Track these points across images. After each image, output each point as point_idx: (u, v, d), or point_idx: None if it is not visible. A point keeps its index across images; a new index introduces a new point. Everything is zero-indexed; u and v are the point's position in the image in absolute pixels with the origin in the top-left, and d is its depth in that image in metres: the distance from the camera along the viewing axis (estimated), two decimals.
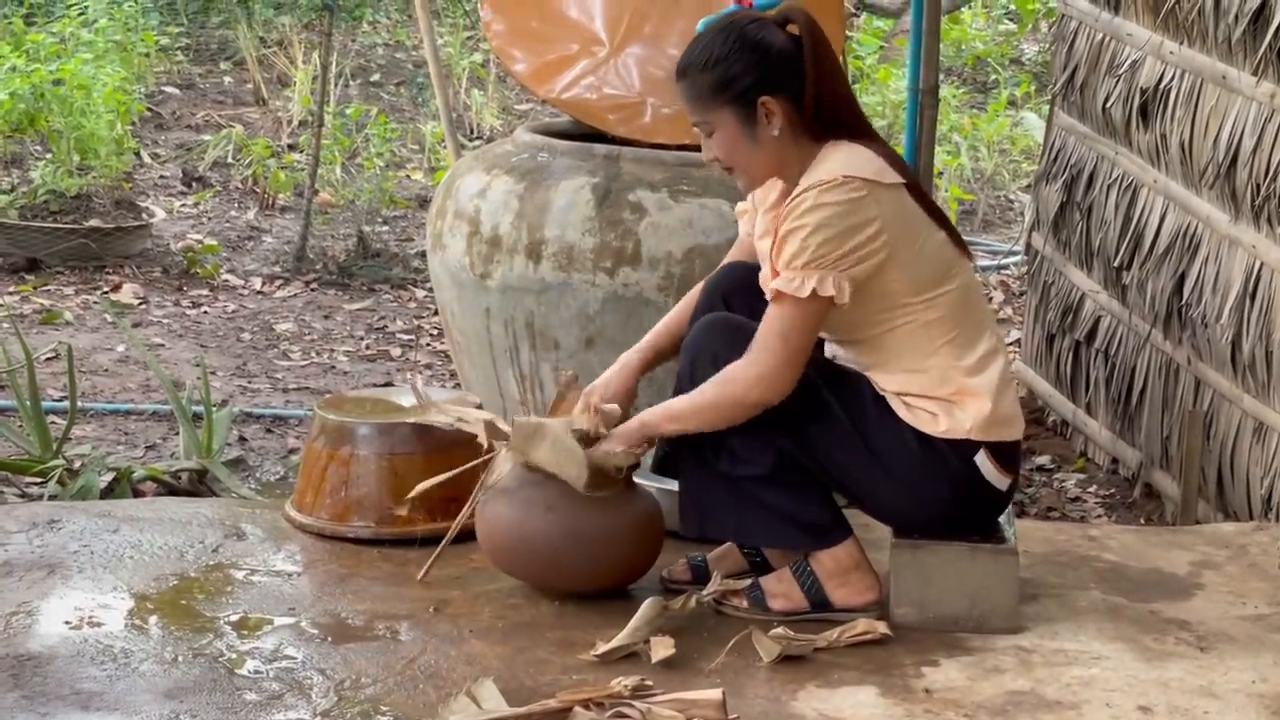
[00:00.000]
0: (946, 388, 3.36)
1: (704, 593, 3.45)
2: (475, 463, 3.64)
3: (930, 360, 3.36)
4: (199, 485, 4.72)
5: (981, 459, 3.39)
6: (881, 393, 3.39)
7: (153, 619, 3.41)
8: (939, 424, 3.36)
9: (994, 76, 10.95)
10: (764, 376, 3.28)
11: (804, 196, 3.25)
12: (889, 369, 3.39)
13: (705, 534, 3.54)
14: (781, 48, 3.31)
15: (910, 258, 3.31)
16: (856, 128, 3.38)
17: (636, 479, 3.58)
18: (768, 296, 3.33)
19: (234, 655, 3.23)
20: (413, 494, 3.68)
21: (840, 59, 5.04)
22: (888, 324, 3.35)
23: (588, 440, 3.42)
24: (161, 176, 8.87)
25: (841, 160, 3.29)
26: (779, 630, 3.29)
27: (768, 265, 3.40)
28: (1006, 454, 3.42)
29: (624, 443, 3.40)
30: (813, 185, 3.25)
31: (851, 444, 3.36)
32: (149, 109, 9.77)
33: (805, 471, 3.39)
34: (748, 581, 3.51)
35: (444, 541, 3.57)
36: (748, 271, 3.52)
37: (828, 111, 3.33)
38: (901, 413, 3.37)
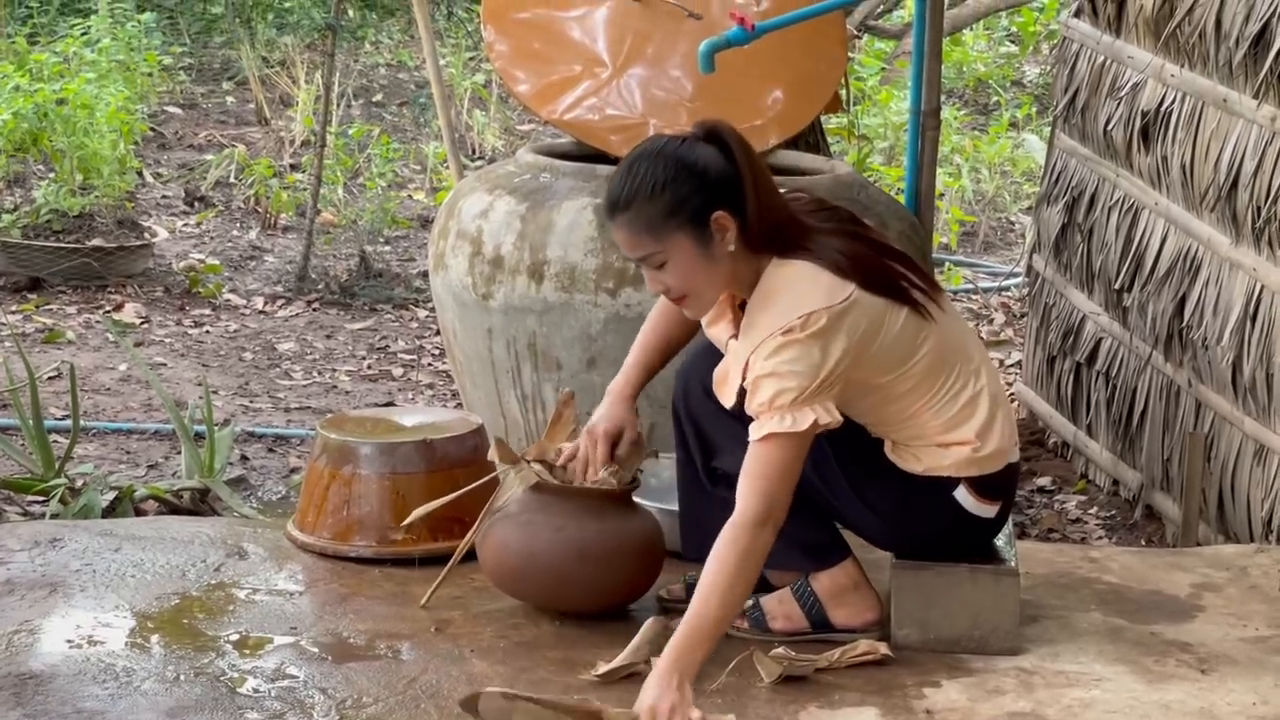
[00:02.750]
0: (927, 440, 3.38)
1: None
2: (475, 484, 3.65)
3: (909, 423, 3.37)
4: (201, 504, 4.73)
5: (961, 493, 3.40)
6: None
7: (154, 638, 3.41)
8: (920, 464, 3.38)
9: (995, 98, 10.96)
10: (773, 516, 3.19)
11: (767, 343, 3.19)
12: (870, 429, 3.42)
13: (707, 555, 3.54)
14: (717, 163, 3.25)
15: (875, 353, 3.28)
16: (793, 236, 3.30)
17: (636, 499, 3.59)
18: (721, 398, 3.33)
19: (235, 674, 3.24)
20: (410, 519, 3.68)
21: (841, 82, 5.07)
22: (862, 402, 3.34)
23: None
24: (164, 196, 8.88)
25: (791, 292, 3.22)
26: (780, 650, 3.29)
27: (725, 356, 3.39)
28: (989, 485, 3.43)
29: (667, 695, 3.08)
30: (775, 332, 3.18)
31: (835, 477, 3.38)
32: (152, 128, 9.79)
33: (802, 494, 3.39)
34: (748, 602, 3.51)
35: (447, 567, 3.58)
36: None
37: (767, 221, 3.27)
38: (886, 448, 3.40)
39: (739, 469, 3.37)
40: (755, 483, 3.19)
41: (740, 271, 3.29)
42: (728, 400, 3.33)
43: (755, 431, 3.20)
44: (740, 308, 3.39)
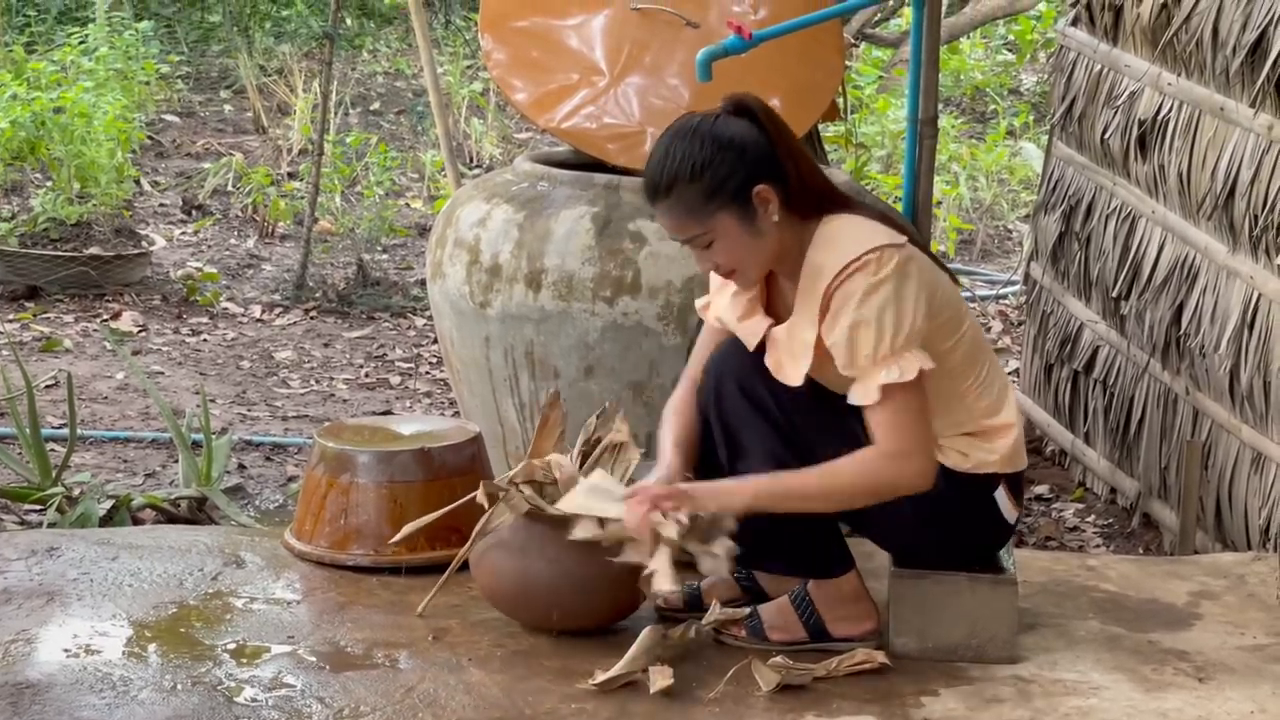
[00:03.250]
0: (974, 425, 3.38)
1: (703, 622, 3.45)
2: (467, 498, 3.63)
3: (959, 403, 3.37)
4: (198, 513, 4.73)
5: (1000, 494, 3.41)
6: None
7: (151, 647, 3.41)
8: (967, 460, 3.37)
9: (993, 106, 10.97)
10: (924, 472, 3.24)
11: (849, 288, 3.21)
12: None
13: None
14: (751, 136, 3.28)
15: (937, 307, 3.31)
16: (836, 198, 3.37)
17: None
18: (782, 379, 3.32)
19: (232, 683, 3.23)
20: (400, 535, 3.68)
21: (839, 90, 5.07)
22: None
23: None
24: (162, 204, 8.88)
25: (852, 235, 3.27)
26: (778, 659, 3.29)
27: (760, 345, 3.38)
28: (1019, 486, 3.46)
29: (673, 492, 3.24)
30: (849, 271, 3.21)
31: None
32: (149, 137, 9.80)
33: None
34: (746, 611, 3.50)
35: (443, 578, 3.58)
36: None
37: (808, 187, 3.31)
38: None
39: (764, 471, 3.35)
40: (899, 436, 3.22)
41: (785, 241, 3.32)
42: (794, 380, 3.32)
43: (867, 394, 3.23)
44: (767, 308, 3.40)
